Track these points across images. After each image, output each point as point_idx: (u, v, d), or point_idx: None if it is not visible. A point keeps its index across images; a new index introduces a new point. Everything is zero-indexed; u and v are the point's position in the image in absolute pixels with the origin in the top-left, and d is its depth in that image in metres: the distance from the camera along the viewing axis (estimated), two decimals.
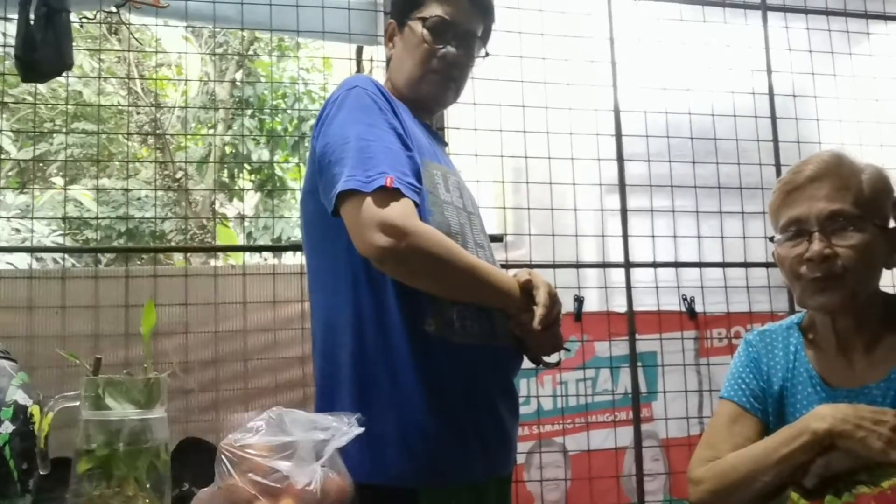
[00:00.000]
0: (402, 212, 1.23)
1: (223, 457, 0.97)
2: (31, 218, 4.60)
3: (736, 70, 3.06)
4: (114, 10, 2.56)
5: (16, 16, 2.32)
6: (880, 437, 1.10)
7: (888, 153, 3.05)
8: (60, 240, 5.72)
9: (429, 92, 1.51)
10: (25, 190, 6.21)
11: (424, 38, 1.48)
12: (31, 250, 3.88)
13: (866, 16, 3.27)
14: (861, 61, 3.24)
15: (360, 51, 3.08)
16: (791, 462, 1.17)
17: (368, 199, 1.23)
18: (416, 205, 1.28)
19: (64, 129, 4.41)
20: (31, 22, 2.27)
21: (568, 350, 1.52)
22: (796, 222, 1.29)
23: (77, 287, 2.47)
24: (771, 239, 1.37)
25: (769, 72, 3.05)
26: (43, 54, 2.28)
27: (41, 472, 1.06)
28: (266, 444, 0.97)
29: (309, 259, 1.47)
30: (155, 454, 0.99)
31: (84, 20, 2.67)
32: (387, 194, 1.24)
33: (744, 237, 2.87)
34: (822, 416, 1.16)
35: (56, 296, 2.46)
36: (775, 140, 3.00)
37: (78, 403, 0.99)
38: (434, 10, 1.48)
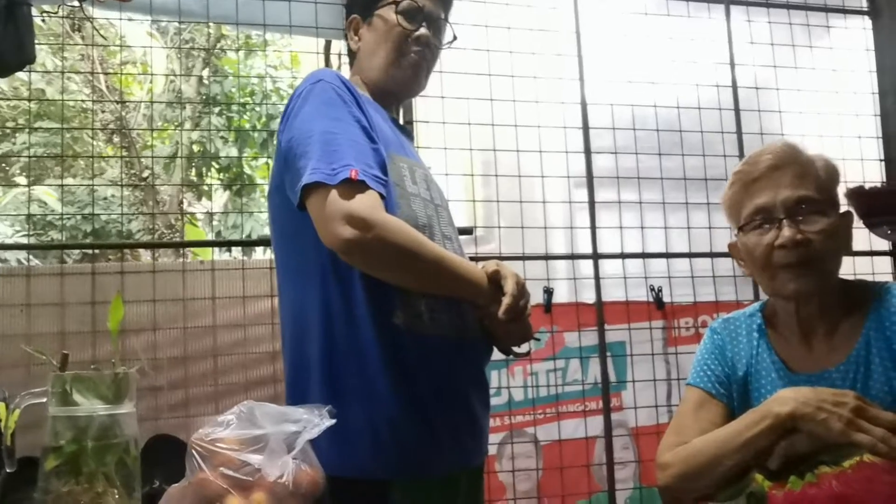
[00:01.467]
0: (367, 204, 1.24)
1: (194, 451, 0.96)
2: None
3: (700, 63, 3.10)
4: (76, 4, 2.51)
5: None
6: (840, 419, 1.12)
7: (848, 144, 3.11)
8: (24, 240, 5.62)
9: (403, 76, 1.52)
10: None
11: (399, 21, 1.49)
12: None
13: (826, 9, 3.32)
14: (821, 54, 3.29)
15: (328, 45, 3.06)
16: (755, 445, 1.18)
17: (334, 192, 1.23)
18: (382, 197, 1.28)
19: (27, 128, 4.33)
20: None
21: (538, 339, 1.53)
22: (762, 211, 1.31)
23: (42, 285, 2.43)
24: (742, 228, 1.36)
25: (732, 65, 3.09)
26: (4, 48, 2.24)
27: (8, 471, 1.04)
28: (237, 438, 0.97)
29: (277, 254, 1.47)
30: (124, 450, 0.97)
31: (46, 14, 2.61)
32: (352, 186, 1.24)
33: (709, 228, 2.90)
34: (784, 399, 1.18)
35: (20, 294, 2.41)
36: (739, 132, 3.04)
37: (45, 400, 0.97)
38: None
